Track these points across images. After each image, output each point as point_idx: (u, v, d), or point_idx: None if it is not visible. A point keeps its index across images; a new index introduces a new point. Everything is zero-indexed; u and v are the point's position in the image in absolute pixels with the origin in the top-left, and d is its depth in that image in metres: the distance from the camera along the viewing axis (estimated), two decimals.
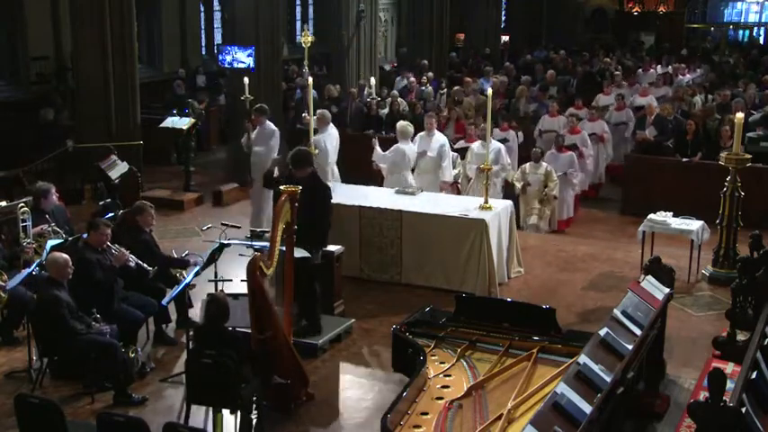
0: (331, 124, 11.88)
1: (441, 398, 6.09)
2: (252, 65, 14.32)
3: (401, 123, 11.73)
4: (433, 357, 6.80)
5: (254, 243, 8.29)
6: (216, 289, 8.00)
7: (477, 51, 24.42)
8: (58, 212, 9.39)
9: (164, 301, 8.02)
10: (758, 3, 33.35)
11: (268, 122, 11.55)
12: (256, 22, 14.24)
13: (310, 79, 11.88)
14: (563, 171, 12.48)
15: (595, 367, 5.66)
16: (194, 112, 14.95)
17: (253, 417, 6.55)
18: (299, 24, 25.36)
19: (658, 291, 7.29)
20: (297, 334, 7.77)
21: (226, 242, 8.33)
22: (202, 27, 22.12)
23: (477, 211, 9.77)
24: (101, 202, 10.96)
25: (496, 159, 11.42)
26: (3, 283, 8.17)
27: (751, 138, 12.84)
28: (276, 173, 10.48)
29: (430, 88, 17.68)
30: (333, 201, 8.57)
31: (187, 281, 8.07)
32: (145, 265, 8.13)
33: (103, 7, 13.28)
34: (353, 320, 8.80)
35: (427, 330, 7.20)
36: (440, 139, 11.60)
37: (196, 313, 8.28)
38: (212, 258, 8.15)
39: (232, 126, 14.96)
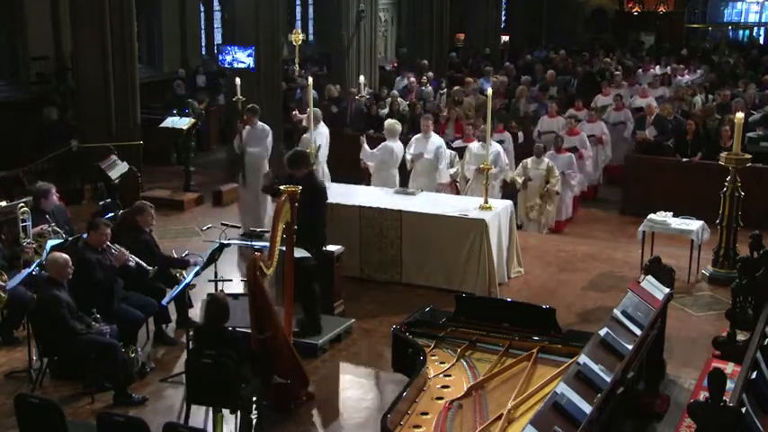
0: (322, 122, 11.86)
1: (441, 398, 6.09)
2: (252, 65, 14.32)
3: (389, 121, 11.76)
4: (433, 357, 6.79)
5: (254, 243, 8.29)
6: (216, 289, 8.00)
7: (477, 51, 24.43)
8: (58, 212, 9.39)
9: (164, 301, 8.03)
10: (758, 3, 33.35)
11: (260, 123, 11.54)
12: (256, 22, 14.24)
13: (310, 79, 11.87)
14: (562, 172, 12.47)
15: (595, 367, 5.65)
16: (194, 112, 14.95)
17: (253, 417, 6.54)
18: (299, 24, 25.38)
19: (658, 291, 7.29)
20: (297, 334, 7.77)
21: (226, 242, 8.33)
22: (202, 27, 22.13)
23: (477, 211, 9.78)
24: (101, 202, 10.96)
25: (495, 161, 11.42)
26: (3, 283, 8.17)
27: (751, 138, 12.84)
28: (270, 176, 10.45)
29: (430, 88, 17.68)
30: (332, 201, 8.58)
31: (187, 281, 8.07)
32: (145, 265, 8.13)
33: (103, 7, 13.28)
34: (353, 320, 8.80)
35: (427, 330, 7.20)
36: (436, 141, 11.59)
37: (196, 313, 8.28)
38: (212, 258, 8.15)
39: (232, 126, 14.93)
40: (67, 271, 7.36)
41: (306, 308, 8.21)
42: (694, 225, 10.35)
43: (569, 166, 12.63)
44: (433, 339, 7.07)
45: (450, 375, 6.49)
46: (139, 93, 14.18)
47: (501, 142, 13.01)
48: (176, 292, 8.00)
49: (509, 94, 17.12)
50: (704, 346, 8.32)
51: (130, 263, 7.98)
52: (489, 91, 10.54)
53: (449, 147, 12.41)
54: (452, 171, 12.14)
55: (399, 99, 16.00)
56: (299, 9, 25.68)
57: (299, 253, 7.66)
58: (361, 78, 14.15)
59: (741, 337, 8.02)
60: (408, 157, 11.55)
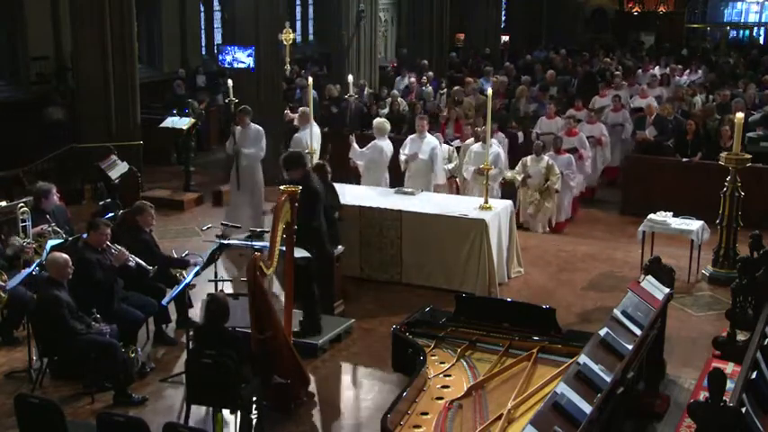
0: (313, 122, 11.84)
1: (441, 398, 6.09)
2: (252, 65, 14.31)
3: (378, 120, 11.76)
4: (433, 357, 6.80)
5: (254, 243, 8.29)
6: (216, 289, 8.00)
7: (477, 51, 24.41)
8: (58, 212, 9.39)
9: (164, 301, 8.03)
10: (758, 3, 33.34)
11: (253, 124, 11.52)
12: (256, 22, 14.23)
13: (310, 79, 11.87)
14: (561, 172, 12.45)
15: (595, 367, 5.66)
16: (194, 112, 14.95)
17: (253, 417, 6.55)
18: (299, 24, 25.37)
19: (658, 291, 7.29)
20: (297, 334, 7.77)
21: (226, 242, 8.33)
22: (202, 27, 22.10)
23: (477, 211, 9.78)
24: (101, 202, 10.96)
25: (495, 163, 11.42)
26: (3, 283, 8.17)
27: (751, 138, 12.83)
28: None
29: (430, 88, 17.68)
30: None
31: (187, 281, 8.07)
32: (145, 265, 8.13)
33: (103, 7, 13.28)
34: (353, 320, 8.80)
35: (427, 330, 7.21)
36: (431, 141, 11.55)
37: (196, 313, 8.28)
38: (212, 258, 8.15)
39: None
40: (67, 271, 7.36)
41: (306, 308, 8.21)
42: (694, 225, 10.35)
43: (568, 166, 12.61)
44: (433, 339, 7.08)
45: (450, 375, 6.49)
46: (139, 93, 14.17)
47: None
48: (176, 292, 8.00)
49: (509, 94, 17.11)
50: (704, 346, 8.32)
51: (130, 263, 7.98)
52: (489, 91, 10.55)
53: (447, 142, 12.40)
54: (451, 166, 12.15)
55: (399, 99, 16.00)
56: (299, 9, 25.66)
57: (299, 253, 7.66)
58: (350, 78, 14.16)
59: (741, 337, 8.02)
60: (402, 157, 11.50)
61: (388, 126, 11.53)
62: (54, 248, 7.87)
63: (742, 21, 34.26)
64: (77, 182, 13.45)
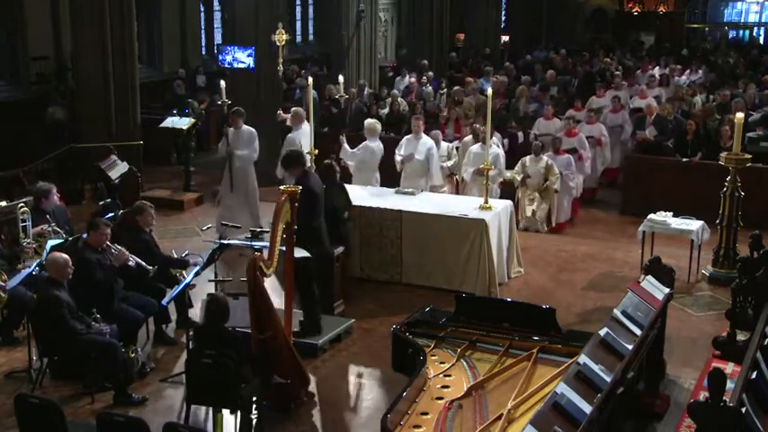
0: (305, 121, 11.83)
1: (441, 398, 6.09)
2: (252, 65, 14.31)
3: (369, 121, 11.76)
4: (433, 357, 6.79)
5: (253, 243, 8.29)
6: (216, 289, 8.00)
7: (477, 51, 24.42)
8: (58, 212, 9.39)
9: (164, 301, 8.03)
10: (758, 3, 33.35)
11: (245, 126, 11.48)
12: (256, 22, 14.23)
13: (310, 79, 11.87)
14: (560, 173, 12.44)
15: (595, 367, 5.66)
16: (194, 112, 14.95)
17: (253, 417, 6.55)
18: (299, 24, 25.37)
19: (658, 291, 7.29)
20: (297, 334, 7.77)
21: (226, 242, 8.33)
22: (202, 27, 22.11)
23: (477, 211, 9.78)
24: (101, 202, 10.96)
25: (494, 164, 11.41)
26: (3, 283, 8.17)
27: (751, 138, 12.83)
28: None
29: (430, 88, 17.68)
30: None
31: (187, 281, 8.08)
32: (145, 265, 8.13)
33: (103, 7, 13.29)
34: (353, 320, 8.80)
35: (427, 330, 7.20)
36: (427, 142, 11.54)
37: (196, 313, 8.28)
38: (212, 258, 8.15)
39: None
40: (67, 271, 7.37)
41: (306, 308, 8.21)
42: (694, 225, 10.35)
43: (568, 167, 12.60)
44: (433, 339, 7.07)
45: (450, 375, 6.49)
46: (139, 93, 14.17)
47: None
48: (176, 292, 8.00)
49: (509, 94, 17.11)
50: (704, 346, 8.33)
51: (130, 263, 7.98)
52: (489, 91, 10.54)
53: (446, 140, 12.39)
54: (450, 163, 12.14)
55: (400, 99, 15.99)
56: (299, 9, 25.67)
57: (300, 253, 7.66)
58: (340, 78, 14.15)
59: (741, 337, 8.02)
60: (398, 158, 11.49)
61: (378, 127, 11.53)
62: (54, 248, 7.86)
63: (742, 21, 34.27)
64: (77, 182, 13.45)
